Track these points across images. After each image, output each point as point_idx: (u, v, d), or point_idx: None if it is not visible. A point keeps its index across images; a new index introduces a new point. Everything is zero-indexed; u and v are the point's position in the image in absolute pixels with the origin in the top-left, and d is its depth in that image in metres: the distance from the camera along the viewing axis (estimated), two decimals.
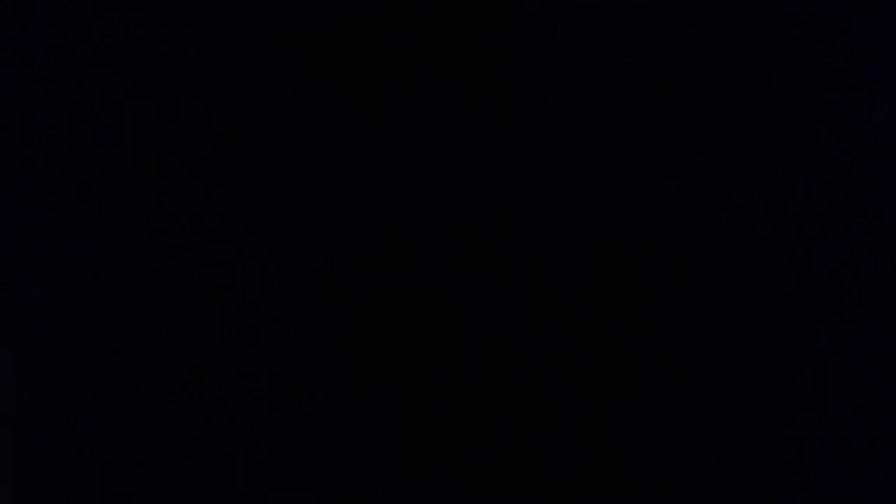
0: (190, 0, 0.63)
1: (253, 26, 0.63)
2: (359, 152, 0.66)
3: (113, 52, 0.70)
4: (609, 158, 0.60)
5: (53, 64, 0.76)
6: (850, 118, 0.54)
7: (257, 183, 0.72)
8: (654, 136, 0.59)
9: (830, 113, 0.54)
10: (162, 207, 0.80)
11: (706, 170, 0.58)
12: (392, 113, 0.64)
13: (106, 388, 0.75)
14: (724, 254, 0.60)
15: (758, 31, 0.53)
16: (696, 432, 0.65)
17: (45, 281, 0.75)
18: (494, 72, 0.60)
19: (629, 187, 0.61)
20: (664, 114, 0.58)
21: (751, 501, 0.65)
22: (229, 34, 0.64)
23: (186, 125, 0.72)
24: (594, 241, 0.63)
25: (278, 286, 0.78)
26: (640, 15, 0.55)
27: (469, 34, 0.59)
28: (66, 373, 0.74)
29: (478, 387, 0.71)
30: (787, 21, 0.52)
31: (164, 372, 0.78)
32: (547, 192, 0.63)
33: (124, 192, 0.81)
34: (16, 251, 0.74)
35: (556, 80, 0.59)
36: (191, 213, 0.80)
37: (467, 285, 0.67)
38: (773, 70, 0.53)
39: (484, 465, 0.72)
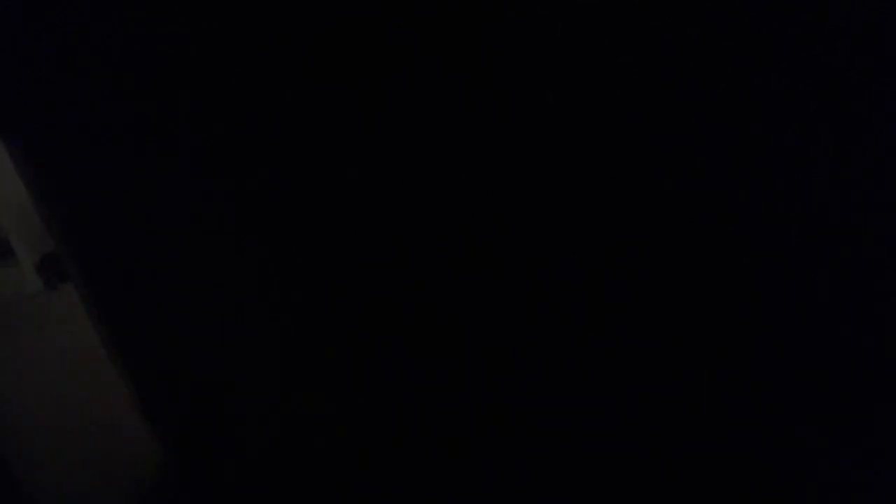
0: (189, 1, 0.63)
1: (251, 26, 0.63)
2: (359, 152, 0.66)
3: (113, 52, 0.70)
4: (609, 158, 0.60)
5: (54, 64, 0.76)
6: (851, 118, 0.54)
7: (258, 180, 0.72)
8: (654, 136, 0.59)
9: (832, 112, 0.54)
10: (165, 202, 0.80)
11: (706, 169, 0.58)
12: (392, 113, 0.65)
13: None
14: (723, 253, 0.60)
15: (758, 30, 0.52)
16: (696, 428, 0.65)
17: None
18: (494, 72, 0.60)
19: (629, 187, 0.61)
20: (664, 114, 0.58)
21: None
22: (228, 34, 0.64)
23: (187, 123, 0.72)
24: (594, 240, 0.63)
25: (277, 285, 0.78)
26: (640, 15, 0.55)
27: (468, 34, 0.59)
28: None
29: (477, 384, 0.71)
30: (787, 21, 0.52)
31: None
32: (546, 191, 0.63)
33: (124, 191, 0.81)
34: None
35: (555, 80, 0.59)
36: (192, 209, 0.80)
37: (466, 285, 0.68)
38: (773, 70, 0.53)
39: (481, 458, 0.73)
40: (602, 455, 0.67)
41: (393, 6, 0.59)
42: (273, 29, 0.62)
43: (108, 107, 0.75)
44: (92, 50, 0.70)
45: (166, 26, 0.64)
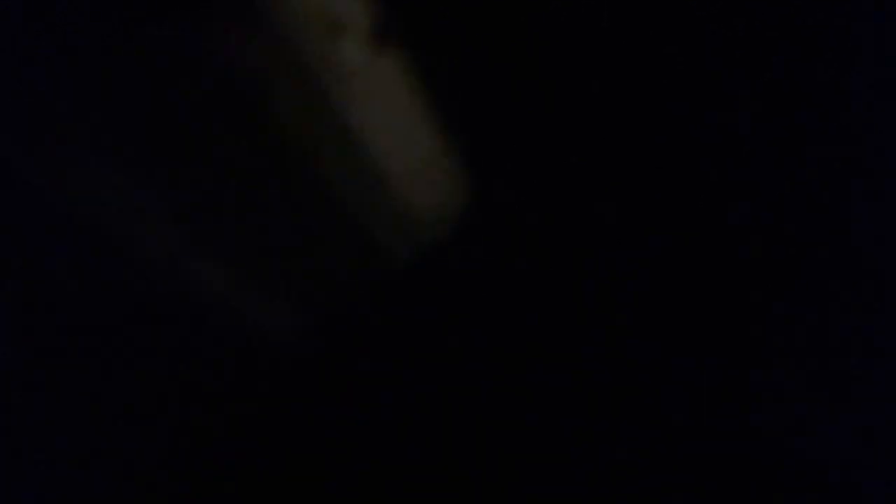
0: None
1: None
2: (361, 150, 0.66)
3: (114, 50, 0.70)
4: (610, 159, 0.60)
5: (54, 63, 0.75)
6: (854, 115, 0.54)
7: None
8: (654, 136, 0.59)
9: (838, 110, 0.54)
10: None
11: (706, 169, 0.58)
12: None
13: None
14: (728, 250, 0.60)
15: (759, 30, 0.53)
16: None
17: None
18: (494, 72, 0.60)
19: (632, 184, 0.61)
20: (664, 114, 0.58)
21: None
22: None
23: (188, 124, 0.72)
24: (594, 240, 0.63)
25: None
26: (641, 15, 0.55)
27: (468, 35, 0.59)
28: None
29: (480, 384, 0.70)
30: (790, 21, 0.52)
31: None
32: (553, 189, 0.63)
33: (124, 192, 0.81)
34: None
35: (555, 80, 0.59)
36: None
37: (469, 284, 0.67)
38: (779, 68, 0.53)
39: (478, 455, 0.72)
40: (602, 455, 0.67)
41: (394, 6, 0.59)
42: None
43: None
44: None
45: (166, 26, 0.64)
